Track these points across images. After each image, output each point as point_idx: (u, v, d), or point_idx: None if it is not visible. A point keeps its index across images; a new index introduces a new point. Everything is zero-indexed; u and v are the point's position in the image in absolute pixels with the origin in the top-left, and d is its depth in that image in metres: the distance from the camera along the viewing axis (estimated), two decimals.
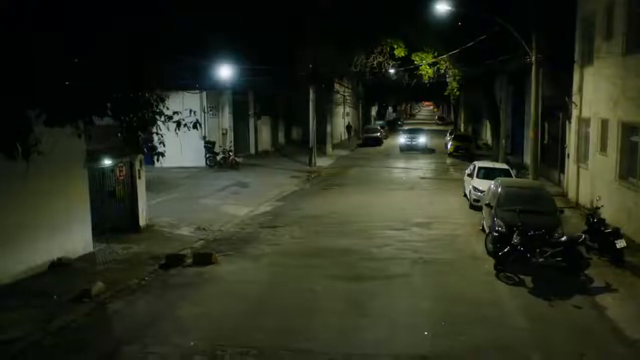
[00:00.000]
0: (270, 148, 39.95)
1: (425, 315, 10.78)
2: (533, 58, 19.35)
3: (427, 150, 43.34)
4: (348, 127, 53.23)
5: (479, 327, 10.22)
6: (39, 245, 13.18)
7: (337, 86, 44.31)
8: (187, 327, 10.30)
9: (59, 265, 13.61)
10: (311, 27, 26.49)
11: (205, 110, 31.30)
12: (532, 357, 9.11)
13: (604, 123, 17.45)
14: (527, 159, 21.56)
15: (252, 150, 36.97)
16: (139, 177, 17.71)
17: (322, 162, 34.15)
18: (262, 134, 39.34)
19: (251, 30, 28.23)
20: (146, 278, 13.08)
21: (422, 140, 43.58)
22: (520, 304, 11.50)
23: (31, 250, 12.88)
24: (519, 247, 12.87)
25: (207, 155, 30.75)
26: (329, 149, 38.11)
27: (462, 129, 56.30)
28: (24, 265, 12.59)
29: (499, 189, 15.53)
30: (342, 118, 49.39)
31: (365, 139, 46.99)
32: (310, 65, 30.20)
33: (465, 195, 22.05)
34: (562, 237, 13.28)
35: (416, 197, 23.53)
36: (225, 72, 29.74)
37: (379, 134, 47.93)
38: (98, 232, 15.55)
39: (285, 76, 32.18)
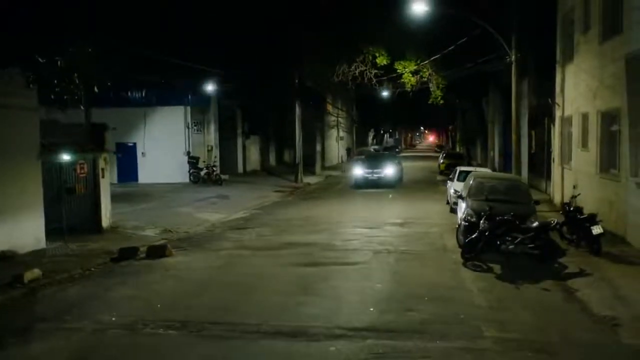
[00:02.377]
0: (259, 168, 39.34)
1: (375, 295, 9.98)
2: (513, 57, 18.84)
3: (396, 184, 29.83)
4: (348, 150, 53.23)
5: (432, 305, 9.40)
6: None
7: (329, 108, 43.91)
8: (116, 306, 9.52)
9: (2, 258, 12.91)
10: (294, 38, 26.18)
11: (189, 126, 30.89)
12: (482, 329, 8.23)
13: (585, 117, 16.80)
14: (519, 173, 20.74)
15: (240, 170, 36.35)
16: (103, 177, 17.14)
17: (310, 179, 33.50)
18: (251, 154, 38.78)
19: (235, 45, 28.04)
20: (92, 269, 12.37)
21: (389, 171, 29.20)
22: (483, 286, 10.65)
23: None
24: (486, 233, 12.08)
25: (191, 171, 30.16)
26: (318, 168, 37.46)
27: (457, 150, 55.54)
28: None
29: (471, 181, 14.82)
30: (336, 142, 48.85)
31: None
32: (296, 80, 29.85)
33: (447, 202, 21.29)
34: (534, 223, 12.47)
35: (397, 203, 22.85)
36: (209, 87, 29.57)
37: None
38: (55, 231, 14.83)
39: (272, 94, 31.90)
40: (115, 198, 22.22)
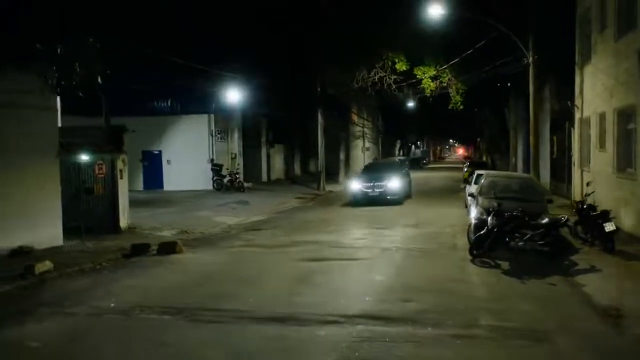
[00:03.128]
0: (283, 177, 39.54)
1: (375, 286, 9.95)
2: (530, 59, 18.64)
3: (402, 200, 24.10)
4: (375, 160, 53.38)
5: (431, 296, 9.31)
6: (3, 233, 12.87)
7: (355, 118, 43.96)
8: (116, 294, 9.68)
9: (19, 253, 13.22)
10: (314, 46, 26.38)
11: (213, 134, 31.29)
12: (479, 318, 8.11)
13: (602, 117, 16.49)
14: (538, 178, 20.34)
15: (264, 178, 36.60)
16: (121, 178, 17.40)
17: (332, 187, 33.48)
18: (275, 162, 39.03)
19: (258, 54, 28.37)
20: (103, 263, 12.58)
21: (393, 185, 23.64)
22: (488, 280, 10.51)
23: None
24: (494, 229, 11.93)
25: (214, 178, 30.48)
26: (341, 176, 37.41)
27: (483, 159, 54.87)
28: None
29: (483, 180, 14.68)
30: (362, 152, 48.79)
31: None
32: (318, 88, 30.02)
33: (466, 206, 21.05)
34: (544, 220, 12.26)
35: (416, 207, 22.70)
36: (233, 95, 29.91)
37: None
38: (73, 230, 15.12)
39: (296, 103, 32.09)
40: (137, 203, 22.77)
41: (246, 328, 7.77)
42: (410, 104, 42.98)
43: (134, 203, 22.81)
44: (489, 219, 12.12)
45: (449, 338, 7.35)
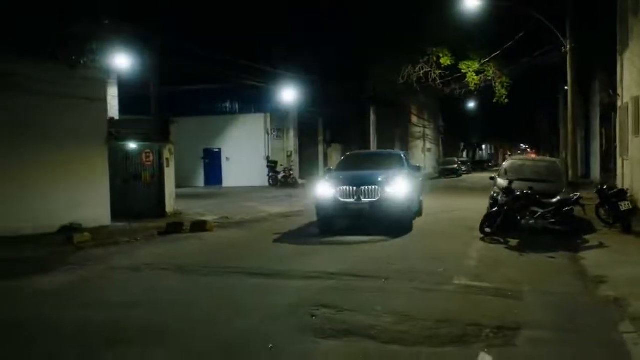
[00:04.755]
0: None
1: (371, 255, 10.41)
2: (568, 47, 18.43)
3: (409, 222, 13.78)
4: (438, 161, 53.25)
5: (417, 261, 9.76)
6: (55, 211, 14.15)
7: (414, 119, 44.06)
8: (136, 257, 10.70)
9: (68, 229, 14.53)
10: (363, 43, 26.95)
11: (269, 132, 32.43)
12: (454, 278, 8.45)
13: (636, 102, 16.13)
14: (576, 169, 19.89)
15: (321, 175, 37.42)
16: (167, 166, 18.58)
17: None
18: (333, 161, 39.72)
19: (312, 54, 29.24)
20: (138, 238, 13.62)
21: (392, 192, 13.07)
22: (486, 253, 10.74)
23: (47, 215, 13.80)
24: (504, 207, 12.10)
25: (269, 174, 31.58)
26: None
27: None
28: (40, 224, 13.44)
29: (506, 162, 14.79)
30: (422, 153, 48.69)
31: (443, 170, 46.06)
32: (372, 88, 30.55)
33: None
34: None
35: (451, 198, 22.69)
36: (289, 95, 30.92)
37: (455, 166, 46.67)
38: (122, 213, 16.34)
39: (350, 102, 32.72)
40: (193, 196, 24.30)
41: (233, 280, 8.54)
42: (471, 105, 42.71)
43: (190, 196, 24.36)
44: (500, 197, 12.31)
45: (412, 290, 7.80)
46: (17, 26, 10.58)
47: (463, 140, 60.86)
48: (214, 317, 6.69)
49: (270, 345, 5.59)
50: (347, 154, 18.34)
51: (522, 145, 65.07)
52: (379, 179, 13.18)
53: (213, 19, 28.66)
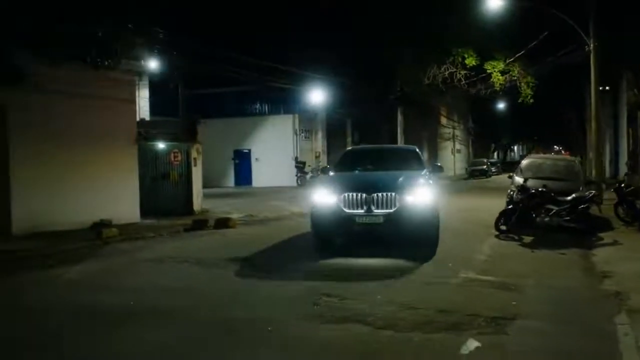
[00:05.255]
0: None
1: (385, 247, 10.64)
2: (592, 46, 18.36)
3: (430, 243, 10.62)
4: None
5: (434, 257, 9.92)
6: (87, 209, 14.76)
7: (443, 120, 44.01)
8: (159, 250, 11.23)
9: (99, 225, 15.16)
10: (390, 44, 27.15)
11: (297, 133, 32.90)
12: (460, 272, 8.68)
13: None
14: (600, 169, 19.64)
15: None
16: (195, 165, 19.13)
17: None
18: None
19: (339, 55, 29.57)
20: (164, 234, 14.15)
21: (419, 203, 10.19)
22: (498, 249, 10.94)
23: (80, 212, 14.40)
24: (519, 204, 12.25)
25: (298, 175, 32.02)
26: None
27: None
28: (73, 221, 14.04)
29: (524, 161, 14.90)
30: (452, 154, 48.56)
31: (472, 171, 45.95)
32: (399, 89, 30.74)
33: None
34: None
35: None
36: (317, 96, 31.32)
37: (484, 167, 46.49)
38: (151, 211, 16.94)
39: (377, 103, 32.95)
40: (222, 195, 24.96)
41: (245, 271, 8.99)
42: (501, 105, 42.46)
43: (219, 195, 25.00)
44: (515, 194, 12.46)
45: (421, 284, 8.06)
46: (45, 31, 11.15)
47: (493, 141, 60.41)
48: (221, 304, 7.13)
49: (270, 328, 5.97)
50: (349, 148, 16.08)
51: (555, 146, 64.26)
52: (397, 183, 10.34)
53: (242, 22, 29.30)
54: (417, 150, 13.49)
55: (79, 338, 5.87)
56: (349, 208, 10.11)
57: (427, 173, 11.67)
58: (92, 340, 5.79)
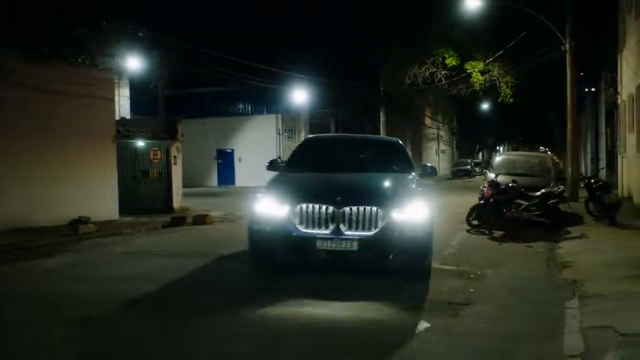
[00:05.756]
0: None
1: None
2: (567, 46, 18.66)
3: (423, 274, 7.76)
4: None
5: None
6: (65, 206, 14.74)
7: (428, 121, 44.32)
8: (132, 245, 11.36)
9: (77, 222, 15.22)
10: (374, 44, 27.43)
11: (280, 133, 33.06)
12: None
13: (630, 99, 16.35)
14: (576, 167, 19.86)
15: None
16: (175, 163, 19.25)
17: None
18: None
19: (322, 54, 29.76)
20: (142, 231, 14.23)
21: (411, 220, 7.09)
22: (466, 242, 11.19)
23: (58, 209, 14.35)
24: (490, 200, 12.46)
25: None
26: None
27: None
28: (52, 218, 14.03)
29: (497, 158, 15.15)
30: (436, 154, 48.95)
31: (456, 171, 46.35)
32: (381, 88, 30.98)
33: None
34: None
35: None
36: (300, 96, 31.49)
37: (468, 167, 46.96)
38: (130, 209, 17.00)
39: (360, 102, 33.18)
40: (204, 195, 24.97)
41: (199, 261, 9.13)
42: (485, 106, 42.85)
43: (201, 194, 25.12)
44: (485, 189, 12.68)
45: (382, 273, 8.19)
46: (22, 25, 11.25)
47: (478, 142, 60.92)
48: (182, 288, 7.36)
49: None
50: (309, 137, 11.79)
51: (541, 147, 64.77)
52: (381, 191, 7.60)
53: (226, 22, 29.46)
54: (401, 143, 10.15)
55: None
56: (307, 227, 6.96)
57: (417, 177, 8.61)
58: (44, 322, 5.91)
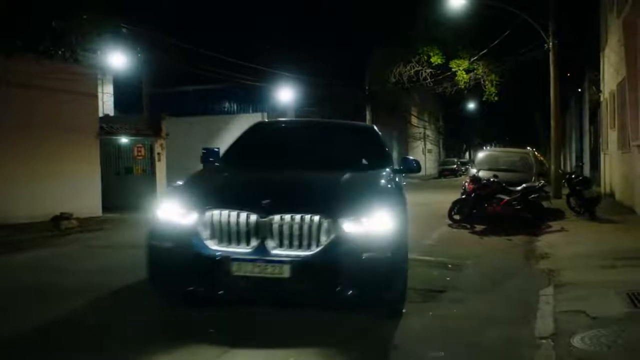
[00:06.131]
0: None
1: None
2: (550, 44, 18.80)
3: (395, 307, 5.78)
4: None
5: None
6: (48, 202, 14.60)
7: (414, 120, 44.45)
8: (112, 239, 11.30)
9: (60, 218, 15.10)
10: (360, 42, 27.49)
11: None
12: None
13: (612, 96, 16.51)
14: (558, 163, 20.02)
15: None
16: (159, 160, 19.15)
17: None
18: None
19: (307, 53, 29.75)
20: (123, 226, 14.19)
21: (380, 229, 4.97)
22: (446, 236, 11.22)
23: (41, 205, 14.11)
24: (471, 194, 12.54)
25: None
26: None
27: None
28: (34, 214, 13.80)
29: (480, 154, 15.25)
30: (423, 154, 49.01)
31: (442, 170, 46.57)
32: (367, 87, 31.04)
33: None
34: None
35: None
36: (286, 94, 31.42)
37: (454, 166, 47.17)
38: (115, 205, 16.89)
39: (344, 101, 33.18)
40: None
41: None
42: (471, 105, 43.08)
43: None
44: (466, 184, 12.76)
45: None
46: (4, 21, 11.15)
47: (464, 141, 61.21)
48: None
49: None
50: (256, 122, 8.87)
51: (528, 147, 65.16)
52: (330, 191, 5.45)
53: (211, 19, 29.37)
54: (377, 130, 8.06)
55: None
56: (219, 242, 5.01)
57: (392, 173, 6.59)
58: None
